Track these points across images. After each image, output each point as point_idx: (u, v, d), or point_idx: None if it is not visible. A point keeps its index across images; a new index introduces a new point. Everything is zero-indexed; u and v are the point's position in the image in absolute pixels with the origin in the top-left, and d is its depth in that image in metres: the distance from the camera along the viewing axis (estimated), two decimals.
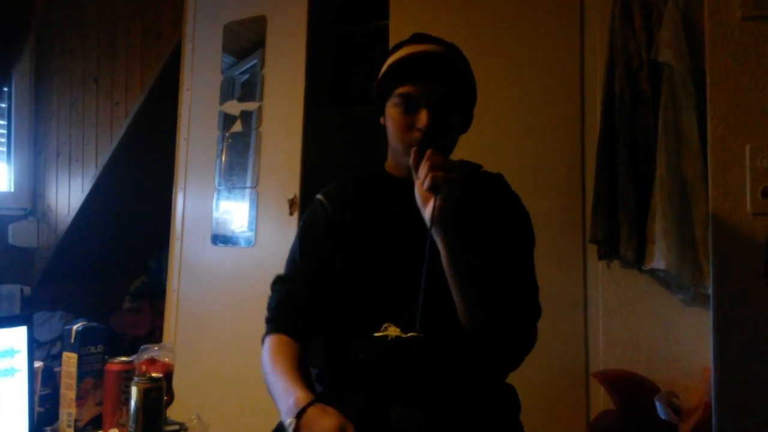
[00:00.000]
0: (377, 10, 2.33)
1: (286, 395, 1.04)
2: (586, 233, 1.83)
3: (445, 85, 1.15)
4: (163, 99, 2.81)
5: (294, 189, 2.28)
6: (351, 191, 1.27)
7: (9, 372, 1.15)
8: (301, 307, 1.21)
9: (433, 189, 1.05)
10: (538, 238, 1.25)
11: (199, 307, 2.50)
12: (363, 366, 1.16)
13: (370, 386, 1.16)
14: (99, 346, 1.32)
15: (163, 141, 2.78)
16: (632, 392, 1.66)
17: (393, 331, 1.14)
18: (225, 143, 2.53)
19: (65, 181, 3.16)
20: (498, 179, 1.28)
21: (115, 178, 3.07)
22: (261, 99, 2.44)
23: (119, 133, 2.97)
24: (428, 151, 1.07)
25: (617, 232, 1.74)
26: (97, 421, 1.29)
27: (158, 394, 1.18)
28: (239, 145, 2.49)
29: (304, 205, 2.23)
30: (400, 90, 1.14)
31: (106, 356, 1.32)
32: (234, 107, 2.51)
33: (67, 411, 1.28)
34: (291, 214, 2.28)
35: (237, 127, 2.50)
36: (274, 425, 1.15)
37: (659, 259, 1.67)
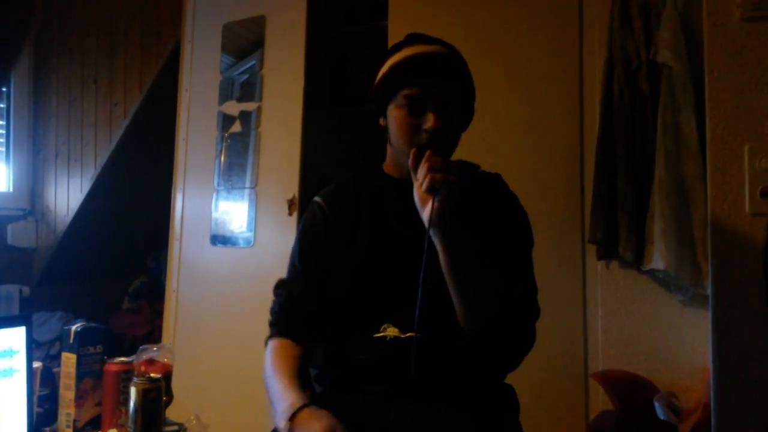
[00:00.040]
0: (376, 10, 2.33)
1: (281, 399, 1.05)
2: (585, 233, 1.83)
3: (449, 85, 1.15)
4: (162, 99, 2.81)
5: (293, 189, 2.28)
6: (349, 192, 1.27)
7: (8, 372, 1.15)
8: (303, 310, 1.21)
9: (431, 190, 1.05)
10: (536, 239, 1.25)
11: (198, 308, 2.50)
12: (361, 366, 1.16)
13: (369, 386, 1.16)
14: (98, 347, 1.32)
15: (162, 141, 2.78)
16: (631, 393, 1.66)
17: (392, 331, 1.15)
18: (224, 143, 2.53)
19: (64, 181, 3.16)
20: (496, 179, 1.28)
21: (114, 179, 3.07)
22: (260, 99, 2.44)
23: (118, 133, 2.96)
24: (427, 153, 1.07)
25: (616, 232, 1.74)
26: (96, 422, 1.29)
27: (157, 394, 1.18)
28: (238, 146, 2.49)
29: (303, 205, 2.23)
30: (406, 91, 1.14)
31: (105, 357, 1.32)
32: (233, 107, 2.51)
33: (66, 411, 1.28)
34: (290, 214, 2.28)
35: (236, 127, 2.50)
36: (273, 425, 1.16)
37: (658, 259, 1.67)
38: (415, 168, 1.08)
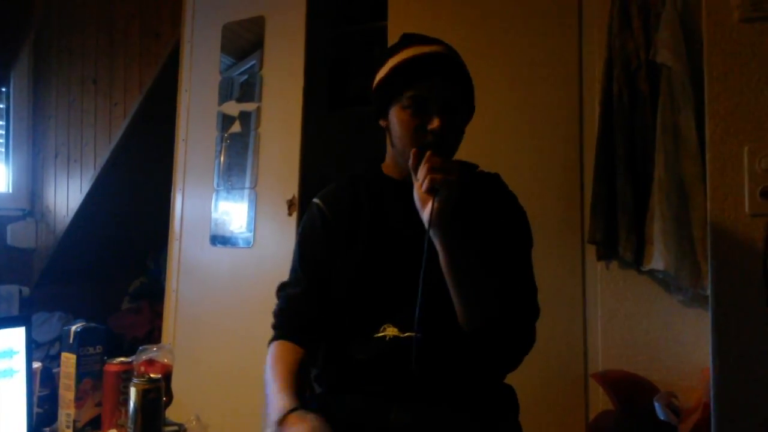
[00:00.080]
0: (376, 10, 2.33)
1: (272, 403, 1.05)
2: (584, 234, 1.83)
3: (451, 85, 1.15)
4: (161, 99, 2.81)
5: (293, 190, 2.28)
6: (348, 193, 1.27)
7: (8, 373, 1.15)
8: (303, 312, 1.21)
9: (431, 191, 1.05)
10: (536, 239, 1.25)
11: (197, 308, 2.50)
12: (361, 366, 1.16)
13: (369, 386, 1.16)
14: (98, 347, 1.32)
15: (161, 141, 2.77)
16: (631, 393, 1.66)
17: (391, 331, 1.15)
18: (224, 144, 2.53)
19: (64, 181, 3.16)
20: (495, 179, 1.28)
21: (113, 179, 3.07)
22: (260, 100, 2.44)
23: (118, 133, 2.96)
24: (427, 153, 1.07)
25: (616, 232, 1.74)
26: (96, 422, 1.29)
27: (157, 394, 1.18)
28: (238, 146, 2.49)
29: (302, 205, 2.23)
30: (409, 93, 1.14)
31: (105, 357, 1.32)
32: (233, 108, 2.51)
33: (66, 412, 1.28)
34: (290, 214, 2.28)
35: (236, 127, 2.50)
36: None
37: (658, 259, 1.67)
38: (416, 168, 1.08)
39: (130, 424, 1.17)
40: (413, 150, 1.09)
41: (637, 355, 1.75)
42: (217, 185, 2.53)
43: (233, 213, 2.48)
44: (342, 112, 2.85)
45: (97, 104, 3.06)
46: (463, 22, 2.05)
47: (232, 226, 2.47)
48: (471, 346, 1.13)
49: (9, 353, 1.15)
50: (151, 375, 1.22)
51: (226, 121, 2.53)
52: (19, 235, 3.12)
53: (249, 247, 2.40)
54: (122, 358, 1.31)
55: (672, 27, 1.70)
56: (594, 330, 1.81)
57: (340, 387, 1.21)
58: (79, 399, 1.27)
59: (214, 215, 2.52)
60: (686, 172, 1.66)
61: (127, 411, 1.20)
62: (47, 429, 1.30)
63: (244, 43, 2.53)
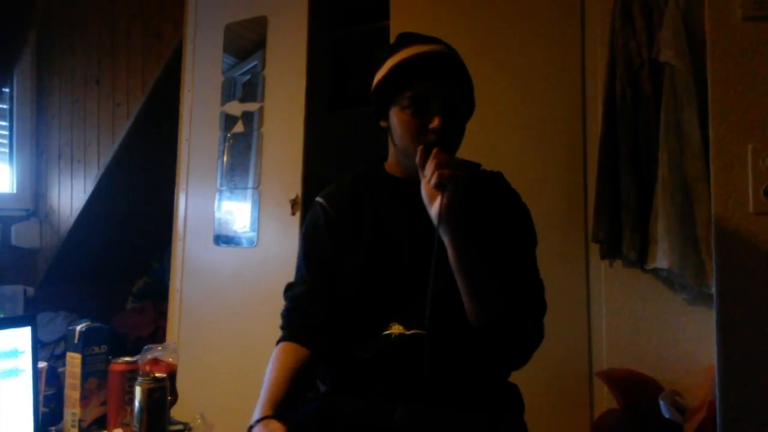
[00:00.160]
0: (378, 10, 2.33)
1: (254, 412, 1.07)
2: (588, 233, 1.83)
3: (451, 84, 1.15)
4: (164, 100, 2.81)
5: (296, 189, 2.28)
6: (352, 192, 1.27)
7: (13, 372, 1.15)
8: (308, 312, 1.21)
9: (439, 186, 1.05)
10: (540, 238, 1.26)
11: (201, 308, 2.51)
12: (366, 365, 1.16)
13: (373, 385, 1.16)
14: (102, 347, 1.32)
15: (164, 142, 2.78)
16: (636, 391, 1.66)
17: (396, 329, 1.15)
18: (226, 144, 2.53)
19: (67, 181, 3.17)
20: (498, 177, 1.29)
21: (117, 179, 3.08)
22: (262, 99, 2.44)
23: (121, 133, 2.97)
24: (434, 150, 1.07)
25: (619, 231, 1.74)
26: (101, 421, 1.30)
27: (162, 394, 1.19)
28: (241, 146, 2.49)
29: (306, 205, 2.23)
30: (409, 92, 1.14)
31: (110, 356, 1.32)
32: (235, 108, 2.52)
33: (72, 411, 1.28)
34: (293, 214, 2.28)
35: (238, 127, 2.50)
36: None
37: (662, 258, 1.67)
38: (423, 165, 1.08)
39: (135, 423, 1.17)
40: (420, 146, 1.09)
41: (642, 354, 1.75)
42: (221, 185, 2.53)
43: (236, 213, 2.49)
44: (345, 111, 2.85)
45: (100, 104, 3.07)
46: (464, 22, 2.05)
47: (235, 225, 2.47)
48: (479, 343, 1.13)
49: (15, 353, 1.16)
50: (156, 374, 1.23)
51: (228, 121, 2.53)
52: (23, 236, 3.13)
53: (252, 247, 2.40)
54: (127, 358, 1.32)
55: (675, 25, 1.70)
56: (598, 329, 1.81)
57: (344, 386, 1.21)
58: (85, 398, 1.28)
59: (217, 215, 2.53)
60: (690, 170, 1.66)
61: (132, 410, 1.21)
62: (53, 428, 1.31)
63: (247, 43, 2.53)
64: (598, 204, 1.77)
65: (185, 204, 2.62)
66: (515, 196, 1.27)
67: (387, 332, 1.15)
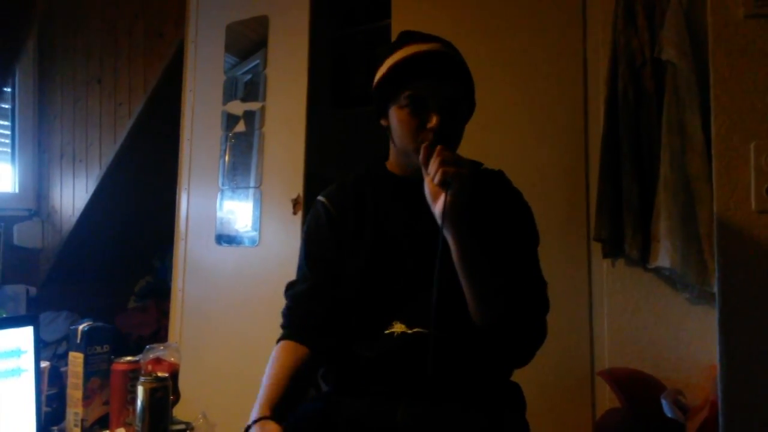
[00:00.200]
0: (379, 9, 2.33)
1: (252, 411, 1.06)
2: (590, 232, 1.83)
3: (449, 83, 1.15)
4: (166, 99, 2.82)
5: (297, 188, 2.28)
6: (353, 191, 1.27)
7: (16, 372, 1.16)
8: (309, 311, 1.21)
9: (443, 184, 1.05)
10: (542, 237, 1.25)
11: (204, 307, 2.51)
12: (368, 364, 1.16)
13: (375, 385, 1.16)
14: (105, 346, 1.33)
15: (166, 141, 2.78)
16: (638, 390, 1.66)
17: (399, 327, 1.15)
18: (228, 143, 2.53)
19: (69, 181, 3.17)
20: (499, 176, 1.28)
21: (119, 179, 3.08)
22: (264, 99, 2.44)
23: (123, 133, 2.97)
24: (438, 147, 1.07)
25: (622, 230, 1.74)
26: (103, 421, 1.30)
27: (164, 393, 1.19)
28: (242, 145, 2.49)
29: (307, 204, 2.24)
30: (407, 92, 1.14)
31: (112, 356, 1.33)
32: (237, 107, 2.52)
33: (74, 410, 1.28)
34: (295, 213, 2.28)
35: (240, 127, 2.50)
36: None
37: (664, 257, 1.67)
38: (426, 162, 1.08)
39: (137, 422, 1.18)
40: (423, 144, 1.09)
41: (644, 353, 1.75)
42: (222, 184, 2.53)
43: (238, 212, 2.49)
44: (346, 110, 2.85)
45: (102, 104, 3.07)
46: (466, 20, 2.05)
47: (237, 225, 2.48)
48: (483, 341, 1.13)
49: (17, 352, 1.16)
50: (158, 374, 1.23)
51: (230, 120, 2.53)
52: (25, 235, 3.14)
53: (254, 246, 2.40)
54: (129, 357, 1.32)
55: (677, 24, 1.69)
56: (600, 328, 1.81)
57: (346, 385, 1.21)
58: (87, 398, 1.28)
59: (219, 214, 2.53)
60: (692, 169, 1.66)
61: (134, 410, 1.21)
62: (55, 428, 1.31)
63: (248, 42, 2.53)
64: (600, 203, 1.77)
65: (187, 203, 2.63)
66: (517, 195, 1.27)
67: (389, 331, 1.15)
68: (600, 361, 1.81)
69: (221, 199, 2.53)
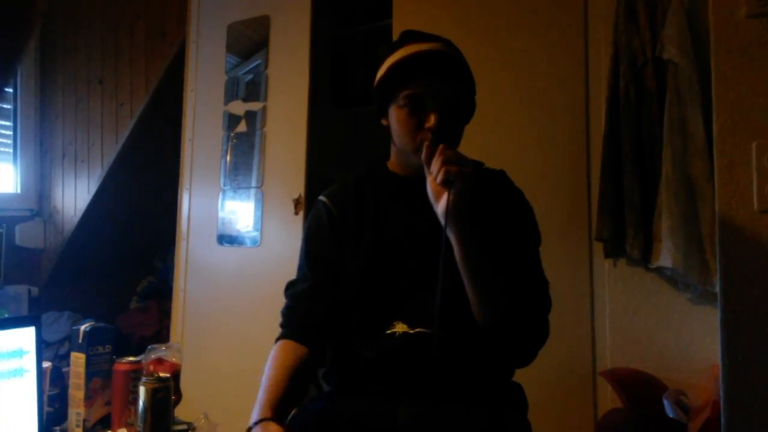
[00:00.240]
0: (380, 9, 2.33)
1: (253, 411, 1.06)
2: (592, 231, 1.82)
3: (448, 82, 1.15)
4: (167, 99, 2.82)
5: (299, 188, 2.29)
6: (354, 191, 1.27)
7: (18, 372, 1.16)
8: (308, 311, 1.21)
9: (446, 183, 1.05)
10: (544, 237, 1.25)
11: (205, 307, 2.51)
12: (369, 364, 1.16)
13: (377, 384, 1.16)
14: (107, 346, 1.33)
15: (168, 141, 2.79)
16: (640, 390, 1.65)
17: (400, 327, 1.15)
18: (230, 143, 2.53)
19: (71, 181, 3.17)
20: (500, 176, 1.28)
21: (121, 179, 3.08)
22: (265, 99, 2.44)
23: (124, 133, 2.98)
24: (440, 146, 1.07)
25: (623, 230, 1.74)
26: (105, 421, 1.30)
27: (166, 393, 1.19)
28: (244, 145, 2.49)
29: (309, 204, 2.24)
30: (406, 91, 1.14)
31: (114, 356, 1.33)
32: (238, 107, 2.52)
33: (76, 411, 1.29)
34: (296, 213, 2.29)
35: (242, 127, 2.50)
36: None
37: (666, 257, 1.66)
38: (428, 162, 1.08)
39: (139, 422, 1.18)
40: (426, 143, 1.09)
41: (646, 353, 1.75)
42: (224, 184, 2.53)
43: (240, 212, 2.49)
44: (348, 110, 2.85)
45: (103, 104, 3.08)
46: (468, 20, 2.05)
47: (238, 225, 2.48)
48: (485, 341, 1.13)
49: (19, 353, 1.16)
50: (160, 374, 1.23)
51: (232, 120, 2.53)
52: (27, 236, 3.14)
53: (256, 246, 2.40)
54: (131, 358, 1.32)
55: (678, 23, 1.69)
56: (602, 328, 1.81)
57: (348, 385, 1.21)
58: (89, 398, 1.28)
59: (221, 214, 2.53)
60: (694, 168, 1.65)
61: (136, 410, 1.21)
62: (57, 428, 1.31)
63: (250, 42, 2.53)
64: (602, 202, 1.77)
65: (189, 203, 2.63)
66: (518, 195, 1.27)
67: (390, 331, 1.15)
68: (602, 361, 1.80)
69: (223, 199, 2.53)
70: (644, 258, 1.73)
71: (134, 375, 1.28)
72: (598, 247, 1.81)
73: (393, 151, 1.26)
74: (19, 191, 3.23)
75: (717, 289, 1.15)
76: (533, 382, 1.27)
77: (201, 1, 2.67)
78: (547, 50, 1.93)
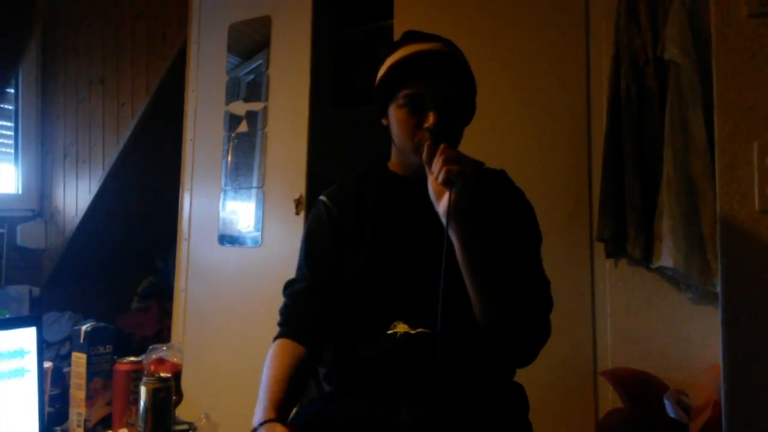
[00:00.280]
0: (381, 9, 2.33)
1: (255, 411, 1.06)
2: (593, 231, 1.82)
3: (448, 82, 1.15)
4: (169, 100, 2.82)
5: (300, 189, 2.29)
6: (354, 191, 1.27)
7: (19, 372, 1.16)
8: (307, 310, 1.20)
9: (447, 183, 1.05)
10: (545, 237, 1.25)
11: (206, 307, 2.51)
12: (370, 364, 1.16)
13: (378, 385, 1.16)
14: (108, 347, 1.32)
15: (169, 141, 2.79)
16: (641, 391, 1.65)
17: (401, 327, 1.15)
18: (231, 143, 2.53)
19: (72, 182, 3.18)
20: (501, 176, 1.28)
21: (122, 179, 3.09)
22: (266, 99, 2.44)
23: (126, 133, 2.98)
24: (441, 146, 1.07)
25: (624, 230, 1.74)
26: (106, 421, 1.30)
27: (167, 393, 1.19)
28: (245, 146, 2.49)
29: (310, 204, 2.24)
30: (405, 91, 1.14)
31: (115, 356, 1.33)
32: (239, 107, 2.52)
33: (77, 411, 1.28)
34: (297, 213, 2.29)
35: (243, 127, 2.50)
36: None
37: (667, 257, 1.66)
38: (429, 161, 1.08)
39: (140, 423, 1.18)
40: (427, 143, 1.09)
41: (647, 353, 1.75)
42: (225, 185, 2.53)
43: (241, 212, 2.49)
44: (349, 111, 2.85)
45: (104, 104, 3.08)
46: (468, 20, 2.05)
47: (240, 225, 2.48)
48: (486, 340, 1.13)
49: (20, 353, 1.16)
50: (161, 374, 1.23)
51: (233, 120, 2.53)
52: (28, 236, 3.14)
53: (257, 247, 2.40)
54: (132, 358, 1.32)
55: (680, 23, 1.69)
56: (603, 328, 1.81)
57: (348, 385, 1.21)
58: (90, 398, 1.28)
59: (222, 215, 2.53)
60: (695, 168, 1.65)
61: (137, 410, 1.21)
62: (58, 428, 1.31)
63: (251, 42, 2.53)
64: (603, 202, 1.77)
65: (190, 204, 2.63)
66: (519, 194, 1.27)
67: (391, 331, 1.14)
68: (603, 361, 1.80)
69: (224, 199, 2.54)
70: (645, 258, 1.73)
71: (135, 375, 1.28)
72: (599, 247, 1.81)
73: (393, 151, 1.26)
74: (20, 191, 3.23)
75: (718, 289, 1.15)
76: (534, 382, 1.27)
77: (202, 1, 2.67)
78: (548, 50, 1.93)
